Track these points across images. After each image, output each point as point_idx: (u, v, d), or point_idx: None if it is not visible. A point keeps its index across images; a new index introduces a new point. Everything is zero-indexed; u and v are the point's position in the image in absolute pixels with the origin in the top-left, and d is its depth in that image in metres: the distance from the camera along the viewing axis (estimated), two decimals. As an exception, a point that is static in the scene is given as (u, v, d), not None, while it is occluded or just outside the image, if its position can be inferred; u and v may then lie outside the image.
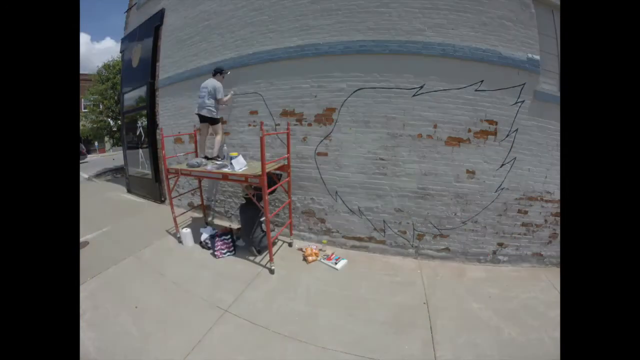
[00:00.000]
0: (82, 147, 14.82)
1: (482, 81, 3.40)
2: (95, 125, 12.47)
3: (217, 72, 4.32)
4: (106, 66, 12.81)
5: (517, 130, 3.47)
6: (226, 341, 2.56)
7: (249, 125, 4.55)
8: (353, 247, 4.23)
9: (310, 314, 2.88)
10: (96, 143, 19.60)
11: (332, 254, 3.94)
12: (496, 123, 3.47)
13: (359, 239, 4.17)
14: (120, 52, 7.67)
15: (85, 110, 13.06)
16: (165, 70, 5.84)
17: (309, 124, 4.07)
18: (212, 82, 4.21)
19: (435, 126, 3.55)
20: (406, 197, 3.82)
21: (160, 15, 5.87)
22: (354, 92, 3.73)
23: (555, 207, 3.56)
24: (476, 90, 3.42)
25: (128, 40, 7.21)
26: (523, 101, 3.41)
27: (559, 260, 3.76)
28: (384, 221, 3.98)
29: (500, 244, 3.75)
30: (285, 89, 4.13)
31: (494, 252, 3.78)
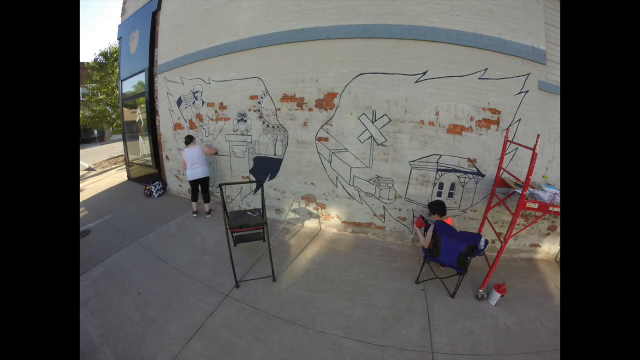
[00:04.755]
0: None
1: (486, 69, 3.35)
2: (94, 114, 12.37)
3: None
4: (103, 53, 12.61)
5: (519, 120, 3.44)
6: (228, 325, 2.61)
7: (249, 110, 4.53)
8: (353, 232, 4.27)
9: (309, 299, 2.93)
10: (95, 131, 19.49)
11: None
12: (499, 112, 3.44)
13: (359, 225, 4.21)
14: (118, 38, 7.53)
15: (84, 99, 12.92)
16: (163, 56, 5.75)
17: (310, 109, 4.04)
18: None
19: (437, 113, 3.52)
20: (406, 184, 3.82)
21: (157, 1, 5.74)
22: (356, 77, 3.68)
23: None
24: (480, 79, 3.37)
25: (125, 26, 7.07)
26: (527, 91, 3.36)
27: (556, 252, 3.79)
28: (384, 207, 4.00)
29: (499, 234, 3.76)
30: (285, 73, 4.07)
31: (493, 242, 3.81)
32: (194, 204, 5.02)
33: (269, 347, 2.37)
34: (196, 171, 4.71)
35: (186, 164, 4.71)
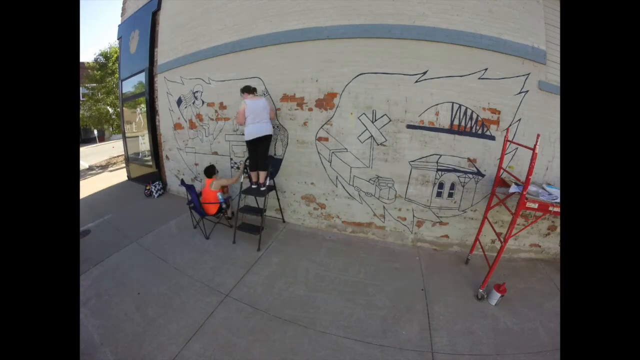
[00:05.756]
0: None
1: (486, 69, 3.35)
2: (94, 114, 12.39)
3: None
4: (103, 53, 12.62)
5: (519, 120, 3.44)
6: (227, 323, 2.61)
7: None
8: (353, 232, 4.27)
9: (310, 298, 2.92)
10: (95, 131, 19.50)
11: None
12: (499, 112, 3.44)
13: (359, 225, 4.21)
14: (118, 38, 7.54)
15: (84, 99, 12.93)
16: (163, 56, 5.75)
17: (310, 109, 4.04)
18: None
19: (437, 113, 3.51)
20: (406, 184, 3.82)
21: (157, 0, 5.75)
22: (356, 77, 3.68)
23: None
24: (480, 79, 3.37)
25: (125, 26, 7.08)
26: (527, 91, 3.36)
27: (557, 252, 3.79)
28: (384, 207, 4.00)
29: (499, 234, 3.76)
30: (285, 73, 4.08)
31: (493, 242, 3.81)
32: (253, 174, 4.15)
33: (269, 347, 2.37)
34: (260, 126, 3.78)
35: (246, 117, 3.76)
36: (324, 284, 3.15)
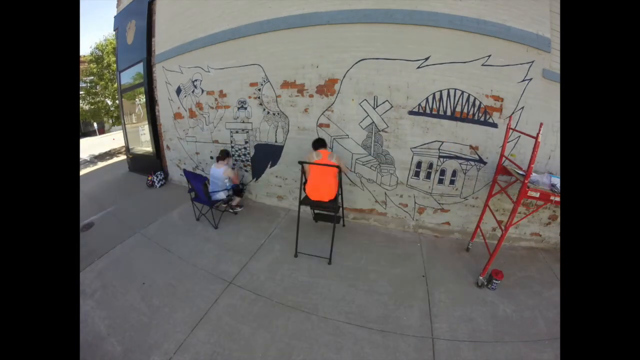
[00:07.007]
0: None
1: (489, 56, 3.28)
2: (92, 107, 12.30)
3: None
4: (99, 46, 12.39)
5: (522, 108, 3.39)
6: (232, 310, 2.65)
7: (249, 97, 4.49)
8: (354, 218, 4.29)
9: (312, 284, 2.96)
10: (95, 124, 19.38)
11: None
12: (502, 100, 3.39)
13: (361, 211, 4.23)
14: (114, 29, 7.42)
15: (82, 93, 12.76)
16: (161, 45, 5.66)
17: (311, 95, 4.00)
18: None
19: (439, 100, 3.47)
20: (408, 170, 3.81)
21: (154, -11, 5.63)
22: (357, 62, 3.62)
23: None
24: (483, 65, 3.31)
25: (121, 17, 6.95)
26: (531, 79, 3.30)
27: (557, 242, 3.79)
28: (386, 194, 4.01)
29: (500, 222, 3.77)
30: (285, 59, 4.02)
31: (493, 229, 3.82)
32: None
33: (272, 333, 2.41)
34: (215, 195, 4.25)
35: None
36: (326, 270, 3.19)
